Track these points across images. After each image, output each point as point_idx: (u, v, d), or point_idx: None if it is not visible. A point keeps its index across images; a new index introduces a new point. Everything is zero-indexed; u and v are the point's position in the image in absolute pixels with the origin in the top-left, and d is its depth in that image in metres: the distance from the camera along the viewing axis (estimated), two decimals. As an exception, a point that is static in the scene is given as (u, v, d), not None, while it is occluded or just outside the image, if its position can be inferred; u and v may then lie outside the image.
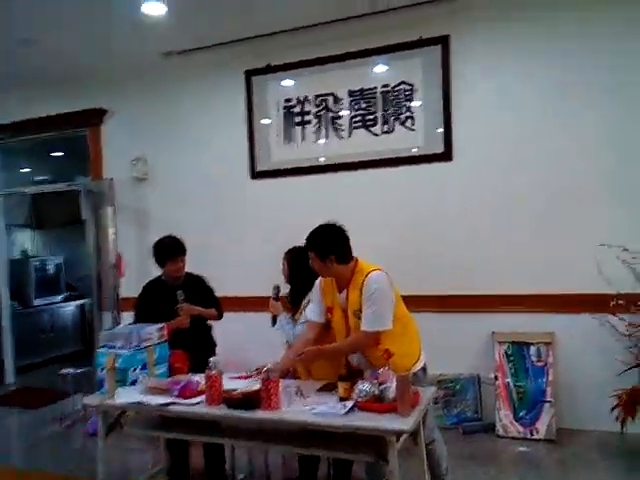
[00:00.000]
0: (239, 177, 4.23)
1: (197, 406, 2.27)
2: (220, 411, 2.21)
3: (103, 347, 2.62)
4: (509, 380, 3.40)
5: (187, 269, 3.15)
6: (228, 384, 2.47)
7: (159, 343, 2.69)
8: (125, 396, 2.42)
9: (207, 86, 4.29)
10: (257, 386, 2.24)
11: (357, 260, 2.44)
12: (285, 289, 2.87)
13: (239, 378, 2.65)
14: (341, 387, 2.21)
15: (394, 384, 2.11)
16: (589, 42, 3.31)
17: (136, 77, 4.51)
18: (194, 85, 4.33)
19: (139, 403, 2.34)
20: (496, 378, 3.43)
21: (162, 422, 2.48)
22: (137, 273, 4.67)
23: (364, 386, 2.13)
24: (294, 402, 2.21)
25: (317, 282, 2.55)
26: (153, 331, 2.67)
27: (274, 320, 2.80)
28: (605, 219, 3.31)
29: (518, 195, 3.49)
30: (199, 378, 2.54)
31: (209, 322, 3.23)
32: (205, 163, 4.34)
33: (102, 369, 2.56)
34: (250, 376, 2.65)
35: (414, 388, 2.11)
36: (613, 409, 3.03)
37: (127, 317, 4.52)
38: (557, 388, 3.34)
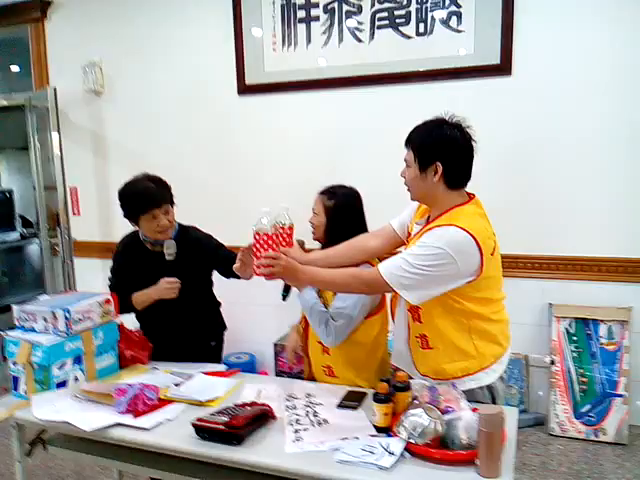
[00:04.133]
0: (223, 92, 3.25)
1: (154, 433, 1.46)
2: (186, 445, 1.40)
3: (16, 329, 1.78)
4: (570, 366, 2.65)
5: None
6: (197, 387, 1.68)
7: (103, 323, 1.84)
8: (45, 407, 1.60)
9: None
10: (248, 408, 1.43)
11: (475, 198, 1.59)
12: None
13: (220, 375, 1.85)
14: (379, 410, 1.40)
15: (465, 414, 1.32)
16: None
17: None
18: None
19: (66, 422, 1.52)
20: (552, 362, 2.67)
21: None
22: (97, 213, 3.81)
23: (421, 417, 1.33)
24: (302, 430, 1.42)
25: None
26: (91, 305, 1.81)
27: (286, 290, 1.79)
28: None
29: (597, 132, 2.59)
30: (159, 381, 1.72)
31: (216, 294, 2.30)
32: (179, 73, 3.34)
33: (14, 363, 1.72)
34: (232, 373, 1.85)
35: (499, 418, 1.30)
36: None
37: (84, 265, 3.71)
38: (632, 379, 2.60)
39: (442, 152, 1.50)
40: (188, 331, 2.11)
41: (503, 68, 2.69)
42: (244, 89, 3.20)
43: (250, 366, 3.17)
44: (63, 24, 3.62)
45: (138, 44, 3.42)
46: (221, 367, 1.96)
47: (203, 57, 3.27)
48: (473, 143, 1.54)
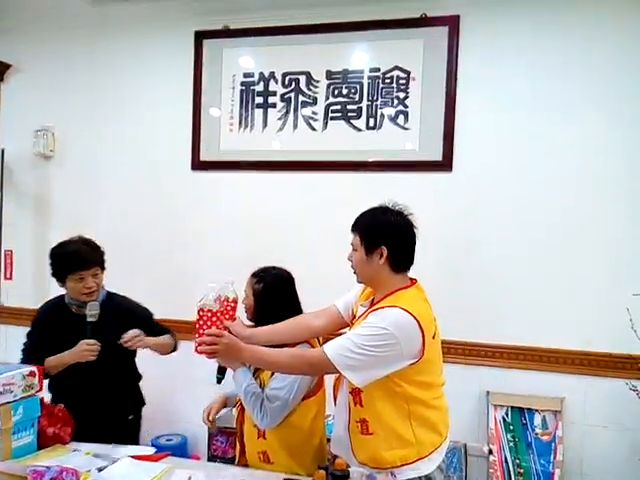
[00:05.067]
0: (177, 167, 3.28)
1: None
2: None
3: None
4: (507, 455, 2.66)
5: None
6: (122, 472, 1.57)
7: (25, 397, 1.72)
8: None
9: (144, 46, 3.32)
10: None
11: (417, 283, 1.68)
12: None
13: (148, 459, 1.73)
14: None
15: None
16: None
17: (52, 27, 3.47)
18: (127, 43, 3.35)
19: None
20: (490, 452, 2.67)
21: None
22: (33, 278, 3.63)
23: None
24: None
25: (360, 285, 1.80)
26: (14, 377, 1.69)
27: (221, 372, 1.76)
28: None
29: (531, 223, 2.77)
30: (80, 464, 1.60)
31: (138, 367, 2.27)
32: (132, 143, 3.36)
33: None
34: (160, 457, 1.74)
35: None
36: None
37: (13, 332, 3.50)
38: (566, 471, 2.63)
39: (387, 237, 1.59)
40: (104, 402, 2.04)
41: (444, 164, 2.88)
42: (198, 165, 3.25)
43: (182, 449, 2.97)
44: (19, 87, 3.61)
45: (92, 111, 3.43)
46: (150, 450, 1.85)
47: (159, 129, 3.32)
48: (415, 229, 1.64)
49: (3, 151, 3.30)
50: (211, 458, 2.85)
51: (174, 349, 2.25)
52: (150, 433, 3.11)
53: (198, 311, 1.55)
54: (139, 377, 2.25)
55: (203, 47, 3.22)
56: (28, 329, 3.31)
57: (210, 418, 1.94)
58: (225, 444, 2.65)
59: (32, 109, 3.55)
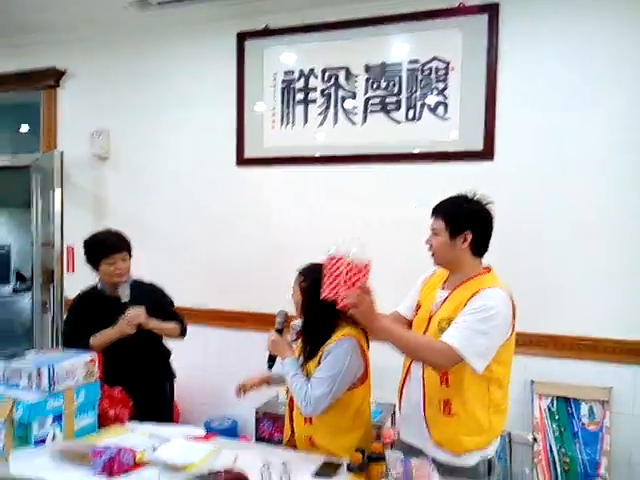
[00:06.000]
0: (223, 163, 3.41)
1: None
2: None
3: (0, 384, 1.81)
4: (552, 445, 2.65)
5: (150, 275, 2.50)
6: (174, 451, 1.69)
7: (86, 384, 1.87)
8: (23, 464, 1.61)
9: (190, 47, 3.46)
10: (221, 476, 1.45)
11: (490, 269, 1.80)
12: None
13: (200, 438, 1.86)
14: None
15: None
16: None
17: (103, 32, 3.66)
18: (174, 46, 3.50)
19: (41, 481, 1.53)
20: (535, 440, 2.67)
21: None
22: (91, 271, 3.86)
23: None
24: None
25: (422, 277, 1.98)
26: (76, 365, 1.85)
27: (271, 360, 1.93)
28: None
29: (576, 208, 2.73)
30: (137, 443, 1.73)
31: (167, 343, 2.47)
32: (182, 143, 3.52)
33: (-5, 419, 1.74)
34: (209, 437, 1.86)
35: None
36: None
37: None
38: (613, 460, 2.60)
39: (472, 222, 1.72)
40: (142, 375, 2.29)
41: (486, 153, 2.86)
42: (243, 161, 3.37)
43: (232, 431, 3.15)
44: (75, 92, 3.83)
45: (145, 115, 3.62)
46: (200, 432, 1.97)
47: (205, 128, 3.46)
48: (493, 218, 1.75)
49: (62, 153, 3.52)
50: (258, 440, 2.97)
51: (181, 335, 2.46)
52: (202, 417, 3.29)
53: (338, 260, 1.53)
54: (169, 352, 2.52)
55: (245, 47, 3.32)
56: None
57: (244, 390, 2.11)
58: (271, 428, 2.77)
59: (87, 113, 3.77)
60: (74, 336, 2.25)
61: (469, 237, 1.70)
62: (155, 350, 2.44)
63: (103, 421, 1.92)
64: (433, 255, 1.78)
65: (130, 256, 2.40)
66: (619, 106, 2.64)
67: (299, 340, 2.00)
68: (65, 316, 2.45)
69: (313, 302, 1.89)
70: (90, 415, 1.88)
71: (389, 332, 1.63)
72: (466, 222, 1.70)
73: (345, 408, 1.83)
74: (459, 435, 1.64)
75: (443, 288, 1.79)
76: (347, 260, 1.54)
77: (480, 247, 1.74)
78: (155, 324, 2.31)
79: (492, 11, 2.85)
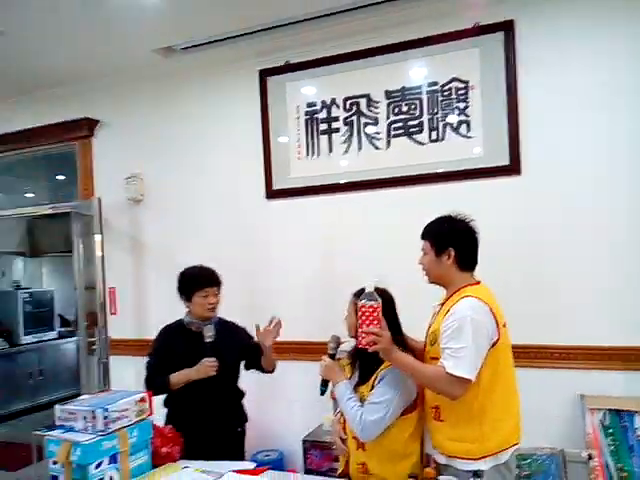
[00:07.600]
0: (252, 197, 3.50)
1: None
2: None
3: (56, 428, 1.87)
4: (608, 460, 2.57)
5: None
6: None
7: (138, 421, 1.92)
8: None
9: (214, 89, 3.59)
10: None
11: (479, 282, 1.90)
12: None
13: (249, 473, 1.88)
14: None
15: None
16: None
17: (130, 80, 3.84)
18: (199, 88, 3.64)
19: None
20: (590, 457, 2.59)
21: None
22: (133, 312, 3.98)
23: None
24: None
25: None
26: (128, 404, 1.90)
27: (324, 385, 1.98)
28: None
29: (608, 220, 2.70)
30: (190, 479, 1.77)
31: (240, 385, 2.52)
32: (212, 181, 3.62)
33: (54, 462, 1.80)
34: (261, 471, 1.88)
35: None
36: None
37: (118, 362, 3.82)
38: (675, 474, 2.50)
39: (454, 240, 1.86)
40: (216, 416, 2.30)
41: (512, 169, 2.86)
42: (272, 193, 3.44)
43: (279, 463, 3.12)
44: (108, 140, 4.00)
45: (174, 155, 3.74)
46: (250, 465, 1.99)
47: (233, 165, 3.55)
48: (476, 234, 1.87)
49: (99, 199, 3.66)
50: (307, 472, 2.97)
51: (274, 368, 2.48)
52: (249, 449, 3.30)
53: (360, 307, 1.72)
54: (243, 394, 2.51)
55: (267, 83, 3.43)
56: (133, 359, 3.66)
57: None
58: (319, 457, 2.77)
59: (121, 159, 3.92)
60: (157, 368, 2.34)
61: (452, 253, 1.84)
62: (232, 391, 2.46)
63: (156, 459, 1.96)
64: (425, 274, 1.93)
65: (220, 291, 2.46)
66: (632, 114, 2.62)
67: (343, 359, 2.04)
68: (150, 348, 2.46)
69: None
70: (144, 453, 1.92)
71: (406, 362, 1.77)
72: (448, 240, 1.85)
73: (398, 434, 1.84)
74: (446, 440, 1.77)
75: (434, 305, 1.95)
76: (360, 304, 1.72)
77: (465, 262, 1.87)
78: (270, 345, 2.36)
79: (507, 27, 2.88)
